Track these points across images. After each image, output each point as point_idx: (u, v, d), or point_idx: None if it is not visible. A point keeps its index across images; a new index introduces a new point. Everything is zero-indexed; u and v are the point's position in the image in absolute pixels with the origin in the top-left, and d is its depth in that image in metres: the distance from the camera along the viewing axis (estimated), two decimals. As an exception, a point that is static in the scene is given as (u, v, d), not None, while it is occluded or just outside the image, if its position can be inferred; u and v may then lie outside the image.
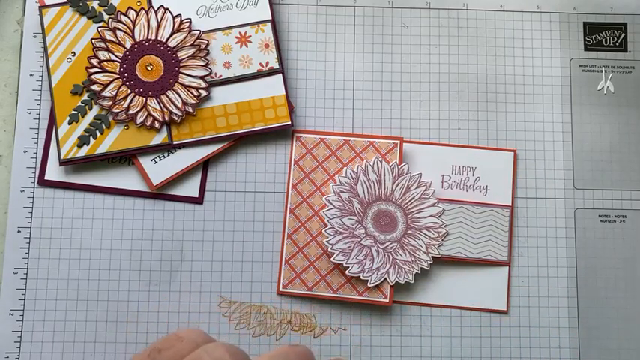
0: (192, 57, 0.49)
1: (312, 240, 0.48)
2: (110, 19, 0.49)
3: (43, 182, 0.48)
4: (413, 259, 0.48)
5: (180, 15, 0.49)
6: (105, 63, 0.48)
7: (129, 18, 0.49)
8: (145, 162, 0.48)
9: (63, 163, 0.48)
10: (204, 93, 0.49)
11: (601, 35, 0.53)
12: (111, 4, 0.49)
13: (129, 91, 0.48)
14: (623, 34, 0.53)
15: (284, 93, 0.49)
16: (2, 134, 0.50)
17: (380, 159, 0.49)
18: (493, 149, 0.50)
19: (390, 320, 0.48)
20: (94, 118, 0.48)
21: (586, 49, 0.52)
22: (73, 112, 0.48)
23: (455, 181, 0.49)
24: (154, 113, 0.48)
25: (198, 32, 0.49)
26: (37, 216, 0.48)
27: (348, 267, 0.47)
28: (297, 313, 0.48)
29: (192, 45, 0.49)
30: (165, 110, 0.48)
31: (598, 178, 0.51)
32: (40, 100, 0.49)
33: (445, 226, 0.49)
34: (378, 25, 0.52)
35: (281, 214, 0.49)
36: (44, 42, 0.49)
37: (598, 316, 0.49)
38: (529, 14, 0.53)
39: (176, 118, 0.48)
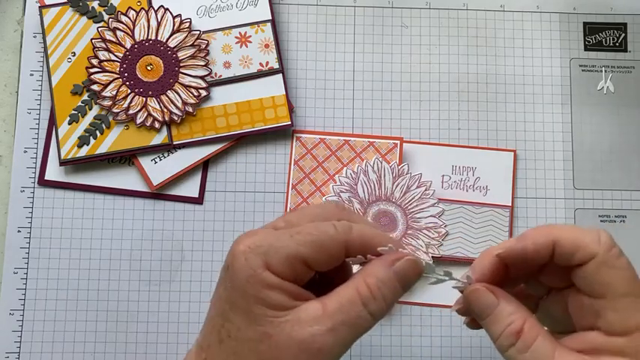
0: (192, 57, 0.49)
1: (312, 240, 0.48)
2: (110, 19, 0.49)
3: (43, 182, 0.48)
4: (413, 259, 0.48)
5: (180, 15, 0.49)
6: (105, 63, 0.48)
7: (129, 18, 0.49)
8: (145, 162, 0.48)
9: (63, 163, 0.48)
10: (204, 93, 0.49)
11: (601, 35, 0.53)
12: (111, 4, 0.49)
13: (129, 91, 0.48)
14: (623, 34, 0.53)
15: (284, 93, 0.49)
16: (2, 134, 0.50)
17: (380, 159, 0.49)
18: (493, 149, 0.50)
19: (390, 320, 0.48)
20: (94, 118, 0.48)
21: (586, 49, 0.52)
22: (73, 112, 0.48)
23: (455, 181, 0.49)
24: (153, 113, 0.48)
25: (198, 32, 0.49)
26: (37, 216, 0.48)
27: (348, 267, 0.47)
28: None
29: (193, 45, 0.49)
30: (165, 110, 0.48)
31: (598, 178, 0.51)
32: (40, 100, 0.49)
33: (445, 226, 0.49)
34: (378, 25, 0.52)
35: (281, 214, 0.49)
36: (44, 42, 0.49)
37: (598, 316, 0.49)
38: (529, 14, 0.53)
39: (176, 118, 0.48)
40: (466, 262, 0.49)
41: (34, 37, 0.50)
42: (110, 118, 0.48)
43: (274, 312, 0.27)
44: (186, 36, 0.49)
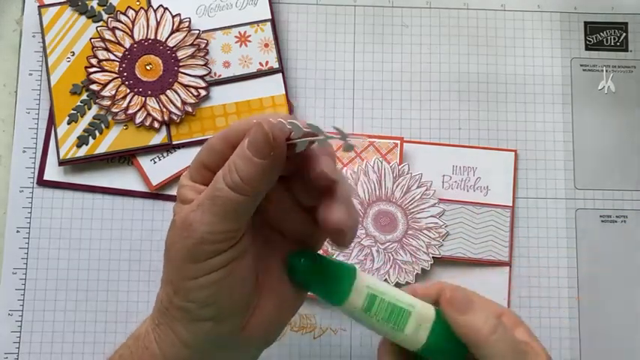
0: (192, 56, 0.49)
1: (312, 240, 0.48)
2: (109, 19, 0.48)
3: (42, 182, 0.48)
4: (413, 259, 0.48)
5: (179, 14, 0.49)
6: (104, 62, 0.48)
7: (128, 17, 0.49)
8: (145, 162, 0.48)
9: (62, 163, 0.48)
10: (203, 92, 0.48)
11: (602, 35, 0.52)
12: (110, 3, 0.49)
13: (128, 90, 0.48)
14: (624, 34, 0.53)
15: (284, 93, 0.49)
16: (1, 134, 0.50)
17: (380, 159, 0.48)
18: (494, 149, 0.50)
19: (390, 321, 0.48)
20: (93, 118, 0.48)
21: (587, 48, 0.52)
22: (72, 111, 0.48)
23: (455, 181, 0.49)
24: (153, 113, 0.48)
25: (197, 32, 0.49)
26: (36, 216, 0.48)
27: (348, 267, 0.47)
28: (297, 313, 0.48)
29: (192, 44, 0.49)
30: (164, 110, 0.48)
31: (599, 178, 0.51)
32: (39, 99, 0.49)
33: (446, 226, 0.48)
34: (378, 24, 0.52)
35: (281, 214, 0.49)
36: (43, 41, 0.49)
37: (599, 316, 0.49)
38: (530, 14, 0.52)
39: (175, 118, 0.48)
40: (467, 262, 0.48)
41: (33, 36, 0.50)
42: (109, 118, 0.48)
43: (184, 205, 0.31)
44: (186, 35, 0.49)
